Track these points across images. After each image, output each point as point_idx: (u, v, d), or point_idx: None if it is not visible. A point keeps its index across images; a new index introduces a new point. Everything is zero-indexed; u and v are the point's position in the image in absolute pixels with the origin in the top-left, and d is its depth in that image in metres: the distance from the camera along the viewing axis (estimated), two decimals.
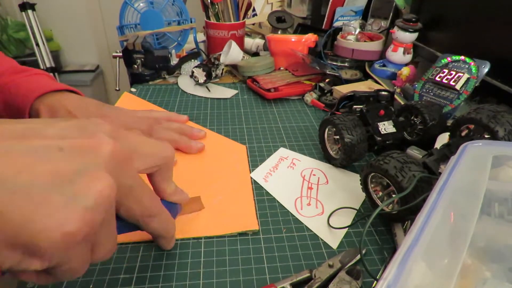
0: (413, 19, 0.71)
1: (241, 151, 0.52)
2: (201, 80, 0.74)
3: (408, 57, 0.75)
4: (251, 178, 0.46)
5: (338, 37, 0.84)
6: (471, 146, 0.30)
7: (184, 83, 0.77)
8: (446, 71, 0.57)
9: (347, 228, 0.38)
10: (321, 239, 0.37)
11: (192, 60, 0.83)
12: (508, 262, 0.23)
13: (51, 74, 1.83)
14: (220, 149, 0.53)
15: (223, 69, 0.80)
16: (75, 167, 0.19)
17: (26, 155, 0.17)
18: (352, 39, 0.83)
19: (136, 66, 0.77)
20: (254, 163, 0.49)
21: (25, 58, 1.87)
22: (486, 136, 0.38)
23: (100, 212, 0.19)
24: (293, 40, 0.79)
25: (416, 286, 0.19)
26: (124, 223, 0.26)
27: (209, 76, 0.75)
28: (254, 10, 1.11)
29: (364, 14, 0.95)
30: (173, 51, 0.82)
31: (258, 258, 0.35)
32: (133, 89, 0.75)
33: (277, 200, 0.42)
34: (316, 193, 0.44)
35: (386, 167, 0.35)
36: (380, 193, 0.39)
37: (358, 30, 0.86)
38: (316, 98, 0.68)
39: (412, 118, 0.49)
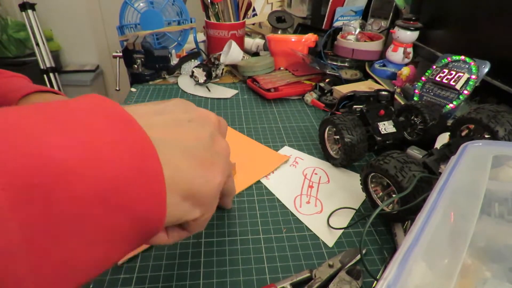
0: (413, 18, 0.71)
1: (278, 159, 0.51)
2: (201, 80, 0.74)
3: (408, 59, 0.75)
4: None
5: (338, 37, 0.84)
6: (471, 146, 0.30)
7: (184, 83, 0.77)
8: (446, 71, 0.57)
9: (345, 228, 0.38)
10: (321, 239, 0.37)
11: (192, 60, 0.83)
12: (508, 262, 0.23)
13: (51, 74, 1.83)
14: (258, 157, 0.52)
15: (223, 69, 0.81)
16: (207, 132, 0.23)
17: (172, 126, 0.21)
18: (352, 39, 0.83)
19: (136, 66, 0.77)
20: None
21: (25, 58, 1.87)
22: (486, 136, 0.38)
23: (227, 163, 0.24)
24: (293, 40, 0.79)
25: (416, 286, 0.19)
26: None
27: (209, 76, 0.75)
28: (254, 10, 1.11)
29: (364, 14, 0.95)
30: (173, 51, 0.82)
31: (258, 258, 0.35)
32: (133, 89, 0.75)
33: (277, 200, 0.42)
34: (316, 192, 0.44)
35: (386, 167, 0.35)
36: (380, 193, 0.39)
37: (358, 30, 0.86)
38: (316, 98, 0.68)
39: (412, 118, 0.49)
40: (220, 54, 0.83)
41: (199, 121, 0.23)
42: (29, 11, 1.71)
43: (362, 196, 0.43)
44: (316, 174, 0.48)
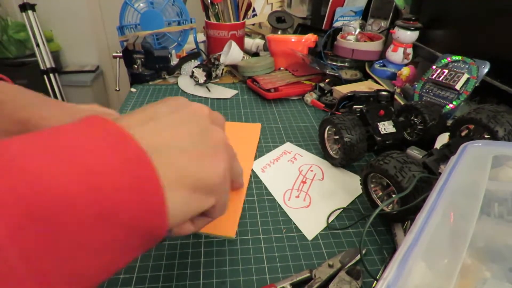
0: (413, 18, 0.71)
1: (255, 130, 0.57)
2: (201, 80, 0.74)
3: (407, 60, 0.75)
4: (250, 174, 0.46)
5: (338, 37, 0.84)
6: (471, 146, 0.30)
7: (184, 83, 0.77)
8: (446, 71, 0.57)
9: (345, 229, 0.38)
10: (321, 240, 0.37)
11: (192, 60, 0.83)
12: (508, 262, 0.23)
13: (51, 75, 1.83)
14: (234, 134, 0.56)
15: (223, 69, 0.81)
16: (199, 126, 0.24)
17: (165, 130, 0.22)
18: (352, 39, 0.83)
19: (136, 66, 0.77)
20: (254, 162, 0.49)
21: (25, 59, 1.87)
22: (486, 136, 0.38)
23: (228, 150, 0.25)
24: (293, 40, 0.79)
25: (416, 286, 0.19)
26: None
27: (209, 76, 0.75)
28: (254, 10, 1.11)
29: (364, 14, 0.95)
30: (173, 51, 0.82)
31: (258, 258, 0.35)
32: (133, 89, 0.75)
33: (277, 201, 0.42)
34: (308, 188, 0.45)
35: (386, 167, 0.35)
36: (380, 193, 0.39)
37: (358, 30, 0.86)
38: (316, 98, 0.68)
39: (412, 118, 0.49)
40: (220, 55, 0.83)
41: (191, 118, 0.24)
42: (29, 12, 1.71)
43: (355, 194, 0.43)
44: (311, 171, 0.48)
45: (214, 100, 0.70)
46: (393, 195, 0.34)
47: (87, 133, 0.18)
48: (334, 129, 0.47)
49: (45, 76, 1.80)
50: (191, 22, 0.84)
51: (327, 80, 0.72)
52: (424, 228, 0.22)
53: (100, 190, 0.16)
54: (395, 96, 0.61)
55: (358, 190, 0.42)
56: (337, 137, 0.47)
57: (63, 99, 1.88)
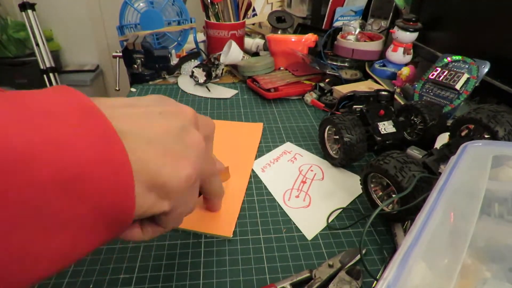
0: (413, 19, 0.71)
1: (256, 129, 0.57)
2: (201, 80, 0.74)
3: (408, 57, 0.75)
4: (250, 175, 0.46)
5: (338, 37, 0.84)
6: (471, 146, 0.30)
7: (184, 83, 0.77)
8: (446, 71, 0.57)
9: (345, 229, 0.38)
10: (321, 240, 0.37)
11: (192, 60, 0.83)
12: (508, 262, 0.23)
13: (51, 74, 1.83)
14: (234, 134, 0.56)
15: (223, 69, 0.81)
16: (178, 124, 0.22)
17: (141, 117, 0.20)
18: (352, 39, 0.83)
19: (136, 66, 0.77)
20: (254, 162, 0.49)
21: (25, 58, 1.87)
22: (486, 136, 0.38)
23: (201, 160, 0.23)
24: (293, 40, 0.79)
25: (416, 286, 0.19)
26: None
27: (209, 76, 0.75)
28: (254, 10, 1.10)
29: (364, 14, 0.95)
30: (173, 51, 0.82)
31: (258, 258, 0.35)
32: (133, 89, 0.75)
33: (277, 201, 0.42)
34: (308, 187, 0.45)
35: (386, 167, 0.35)
36: (380, 193, 0.39)
37: (358, 30, 0.86)
38: (316, 98, 0.68)
39: (412, 118, 0.49)
40: (220, 54, 0.83)
41: (171, 114, 0.22)
42: (29, 11, 1.71)
43: (355, 194, 0.43)
44: (311, 171, 0.48)
45: (214, 100, 0.70)
46: (393, 195, 0.34)
47: (55, 98, 0.16)
48: (334, 129, 0.47)
49: (44, 76, 1.80)
50: (191, 22, 0.84)
51: (327, 80, 0.72)
52: (424, 228, 0.22)
53: (65, 156, 0.15)
54: (395, 96, 0.61)
55: (358, 190, 0.42)
56: (337, 137, 0.47)
57: None
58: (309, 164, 0.50)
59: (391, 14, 0.87)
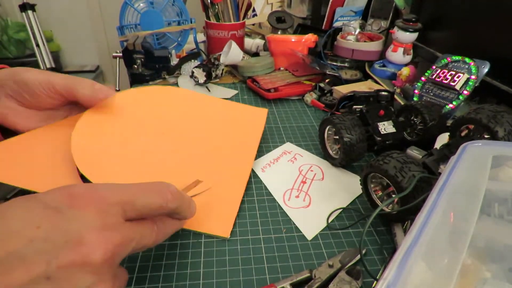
0: (413, 19, 0.71)
1: (260, 115, 0.53)
2: (201, 80, 0.74)
3: (408, 58, 0.75)
4: (250, 174, 0.46)
5: (338, 37, 0.84)
6: (471, 146, 0.30)
7: (184, 83, 0.77)
8: (446, 71, 0.57)
9: (345, 229, 0.38)
10: (321, 240, 0.37)
11: (192, 60, 0.83)
12: (508, 262, 0.23)
13: None
14: (237, 119, 0.52)
15: (223, 69, 0.81)
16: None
17: None
18: (352, 39, 0.83)
19: (136, 66, 0.77)
20: (254, 162, 0.49)
21: (25, 59, 1.88)
22: (486, 136, 0.38)
23: None
24: (293, 40, 0.79)
25: (416, 286, 0.19)
26: None
27: (209, 76, 0.75)
28: (254, 10, 1.11)
29: (364, 14, 0.95)
30: (173, 51, 0.82)
31: (258, 258, 0.35)
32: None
33: (277, 201, 0.42)
34: (308, 187, 0.45)
35: (386, 167, 0.35)
36: (380, 193, 0.39)
37: (358, 30, 0.86)
38: (316, 98, 0.68)
39: (412, 118, 0.49)
40: (220, 55, 0.83)
41: (63, 274, 0.18)
42: (29, 12, 1.71)
43: (355, 194, 0.43)
44: (311, 171, 0.48)
45: None
46: (393, 195, 0.34)
47: None
48: (334, 129, 0.47)
49: None
50: (191, 22, 0.84)
51: (327, 80, 0.72)
52: (424, 228, 0.22)
53: None
54: (395, 96, 0.61)
55: (358, 190, 0.42)
56: (337, 137, 0.47)
57: None
58: (309, 164, 0.50)
59: (391, 14, 0.87)
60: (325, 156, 0.51)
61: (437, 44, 0.72)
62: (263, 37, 1.00)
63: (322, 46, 0.83)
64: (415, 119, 0.49)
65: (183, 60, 0.82)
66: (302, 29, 0.96)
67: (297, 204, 0.42)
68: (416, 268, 0.20)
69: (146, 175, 0.39)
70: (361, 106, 0.51)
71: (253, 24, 1.10)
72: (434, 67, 0.59)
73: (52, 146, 0.38)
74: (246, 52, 0.88)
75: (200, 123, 0.49)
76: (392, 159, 0.35)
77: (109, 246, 0.20)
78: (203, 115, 0.51)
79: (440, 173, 0.35)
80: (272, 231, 0.38)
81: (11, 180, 0.34)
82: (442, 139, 0.44)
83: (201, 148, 0.46)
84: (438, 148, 0.40)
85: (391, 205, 0.38)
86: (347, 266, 0.32)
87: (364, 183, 0.40)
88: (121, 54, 0.82)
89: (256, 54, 0.93)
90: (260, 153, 0.52)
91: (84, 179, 0.35)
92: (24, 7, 1.70)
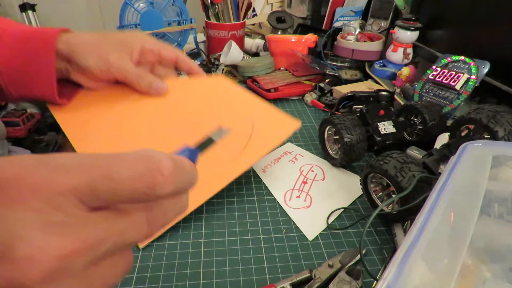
0: (413, 18, 0.71)
1: (287, 127, 0.45)
2: None
3: (407, 62, 0.75)
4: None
5: (338, 37, 0.84)
6: (471, 146, 0.30)
7: None
8: (446, 71, 0.57)
9: (345, 229, 0.38)
10: (321, 240, 0.37)
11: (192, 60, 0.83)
12: (508, 262, 0.23)
13: None
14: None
15: (223, 69, 0.81)
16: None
17: None
18: (352, 39, 0.83)
19: None
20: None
21: None
22: (486, 136, 0.38)
23: None
24: (293, 40, 0.79)
25: (416, 286, 0.19)
26: None
27: None
28: (254, 10, 1.11)
29: (364, 15, 0.95)
30: None
31: (258, 258, 0.35)
32: None
33: (277, 201, 0.42)
34: (309, 188, 0.45)
35: (386, 167, 0.35)
36: (380, 193, 0.39)
37: (358, 30, 0.86)
38: (316, 98, 0.68)
39: (412, 118, 0.49)
40: (220, 55, 0.83)
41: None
42: (29, 12, 1.71)
43: (356, 195, 0.43)
44: (312, 171, 0.48)
45: None
46: (393, 195, 0.34)
47: None
48: (334, 129, 0.47)
49: None
50: (191, 22, 0.84)
51: (327, 80, 0.72)
52: (424, 228, 0.22)
53: None
54: (395, 96, 0.61)
55: (359, 190, 0.42)
56: (337, 137, 0.47)
57: None
58: (310, 165, 0.50)
59: (391, 14, 0.87)
60: (325, 156, 0.51)
61: (437, 44, 0.72)
62: (263, 37, 1.00)
63: (322, 46, 0.83)
64: (415, 119, 0.49)
65: None
66: (302, 29, 0.96)
67: (298, 205, 0.42)
68: (416, 268, 0.20)
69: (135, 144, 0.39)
70: (361, 106, 0.51)
71: (253, 24, 1.10)
72: (434, 67, 0.59)
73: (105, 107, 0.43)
74: (246, 52, 0.88)
75: (218, 111, 0.46)
76: (392, 159, 0.35)
77: (53, 258, 0.14)
78: (226, 106, 0.48)
79: (440, 173, 0.35)
80: (272, 231, 0.38)
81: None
82: (442, 139, 0.44)
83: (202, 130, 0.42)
84: (438, 148, 0.40)
85: (391, 205, 0.38)
86: (347, 266, 0.32)
87: (364, 183, 0.40)
88: None
89: (256, 54, 0.93)
90: None
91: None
92: (24, 7, 1.70)
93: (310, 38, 0.79)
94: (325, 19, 0.98)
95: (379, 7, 0.89)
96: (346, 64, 0.81)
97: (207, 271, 0.33)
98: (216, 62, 0.79)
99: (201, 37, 0.98)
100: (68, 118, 0.43)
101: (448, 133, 0.43)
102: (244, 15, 0.90)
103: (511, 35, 0.54)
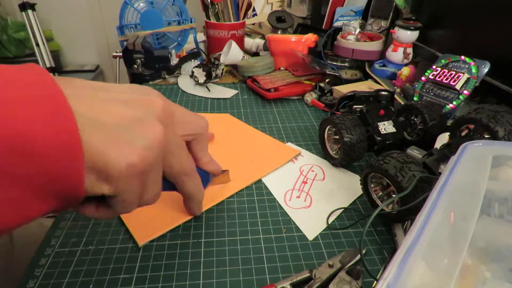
0: (413, 18, 0.71)
1: (288, 154, 0.51)
2: (201, 80, 0.74)
3: (407, 62, 0.75)
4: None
5: (338, 37, 0.84)
6: (471, 146, 0.30)
7: (184, 83, 0.77)
8: (446, 71, 0.57)
9: (345, 229, 0.38)
10: (321, 240, 0.37)
11: (192, 60, 0.83)
12: (508, 262, 0.23)
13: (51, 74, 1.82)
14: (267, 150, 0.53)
15: (223, 69, 0.81)
16: (137, 115, 0.23)
17: (102, 102, 0.21)
18: (352, 39, 0.83)
19: (136, 66, 0.77)
20: None
21: (25, 58, 1.87)
22: (486, 136, 0.38)
23: (154, 153, 0.23)
24: (293, 40, 0.79)
25: (416, 286, 0.19)
26: (165, 182, 0.29)
27: (209, 76, 0.75)
28: (254, 10, 1.11)
29: (364, 14, 0.95)
30: (173, 51, 0.82)
31: (258, 258, 0.35)
32: None
33: (277, 201, 0.42)
34: (309, 188, 0.45)
35: (386, 167, 0.35)
36: (380, 193, 0.39)
37: (358, 30, 0.86)
38: (316, 98, 0.68)
39: (412, 118, 0.49)
40: (220, 54, 0.83)
41: (136, 103, 0.23)
42: (29, 11, 1.71)
43: (356, 194, 0.43)
44: (312, 171, 0.48)
45: (214, 100, 0.70)
46: (393, 195, 0.34)
47: (16, 69, 0.18)
48: (334, 129, 0.47)
49: None
50: (191, 22, 0.84)
51: (327, 80, 0.72)
52: (424, 228, 0.22)
53: (9, 113, 0.16)
54: (395, 96, 0.61)
55: (359, 190, 0.42)
56: (337, 137, 0.47)
57: None
58: (310, 165, 0.50)
59: (391, 14, 0.87)
60: (325, 156, 0.51)
61: (437, 44, 0.72)
62: (263, 37, 1.00)
63: (322, 46, 0.83)
64: (415, 119, 0.49)
65: (183, 60, 0.82)
66: (302, 29, 0.96)
67: (298, 205, 0.42)
68: (416, 268, 0.20)
69: None
70: (361, 106, 0.51)
71: (253, 24, 1.10)
72: (434, 67, 0.59)
73: None
74: (246, 52, 0.88)
75: (230, 142, 0.54)
76: (392, 159, 0.35)
77: (165, 113, 0.25)
78: (237, 138, 0.56)
79: (440, 173, 0.35)
80: (272, 231, 0.38)
81: None
82: (442, 139, 0.44)
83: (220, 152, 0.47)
84: (438, 148, 0.40)
85: (391, 205, 0.38)
86: (347, 266, 0.32)
87: (364, 183, 0.40)
88: (121, 54, 0.82)
89: (256, 54, 0.93)
90: None
91: None
92: (24, 7, 1.69)
93: (310, 38, 0.79)
94: (325, 19, 0.98)
95: (379, 7, 0.89)
96: (346, 64, 0.81)
97: (207, 271, 0.33)
98: (216, 62, 0.79)
99: (201, 37, 0.98)
100: None
101: (448, 133, 0.43)
102: (244, 14, 0.90)
103: (511, 35, 0.54)
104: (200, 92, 0.73)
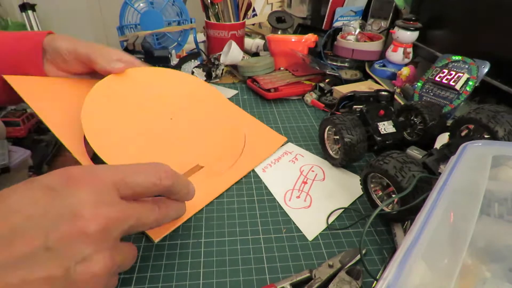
0: (413, 18, 0.71)
1: (276, 142, 0.54)
2: None
3: (407, 61, 0.75)
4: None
5: (338, 37, 0.84)
6: (471, 146, 0.30)
7: None
8: (446, 71, 0.57)
9: (345, 229, 0.38)
10: (321, 240, 0.37)
11: (192, 60, 0.83)
12: (508, 262, 0.23)
13: None
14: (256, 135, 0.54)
15: (223, 69, 0.81)
16: (67, 264, 0.19)
17: (18, 269, 0.18)
18: (352, 39, 0.83)
19: None
20: None
21: None
22: (486, 136, 0.38)
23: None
24: (293, 40, 0.79)
25: (416, 286, 0.19)
26: None
27: (209, 76, 0.75)
28: (254, 10, 1.11)
29: (364, 14, 0.95)
30: (173, 51, 0.82)
31: (258, 258, 0.35)
32: None
33: (277, 201, 0.42)
34: (309, 188, 0.45)
35: (386, 167, 0.35)
36: (380, 193, 0.39)
37: (358, 30, 0.86)
38: (316, 98, 0.68)
39: (412, 118, 0.49)
40: (220, 54, 0.83)
41: (61, 246, 0.19)
42: (29, 12, 1.71)
43: (355, 195, 0.43)
44: (313, 171, 0.48)
45: None
46: (393, 195, 0.34)
47: None
48: (334, 129, 0.47)
49: None
50: (191, 22, 0.84)
51: (327, 80, 0.72)
52: (424, 228, 0.22)
53: None
54: (395, 96, 0.61)
55: (359, 190, 0.42)
56: (337, 137, 0.47)
57: None
58: (310, 165, 0.50)
59: (391, 14, 0.87)
60: (325, 156, 0.51)
61: (437, 44, 0.72)
62: (263, 37, 1.00)
63: (322, 46, 0.83)
64: (415, 119, 0.49)
65: (183, 60, 0.82)
66: (302, 29, 0.96)
67: (298, 205, 0.42)
68: (416, 268, 0.20)
69: (147, 154, 0.43)
70: (361, 106, 0.51)
71: (253, 24, 1.10)
72: (434, 67, 0.59)
73: (75, 96, 0.43)
74: (246, 52, 0.88)
75: (213, 122, 0.53)
76: (392, 159, 0.35)
77: (103, 220, 0.22)
78: (218, 115, 0.55)
79: (440, 173, 0.35)
80: (272, 231, 0.38)
81: (38, 110, 0.40)
82: (442, 139, 0.44)
83: (205, 142, 0.49)
84: (438, 148, 0.40)
85: (391, 205, 0.38)
86: (347, 266, 0.32)
87: (364, 183, 0.40)
88: None
89: (256, 54, 0.93)
90: None
91: (86, 141, 0.39)
92: (24, 7, 1.70)
93: (310, 38, 0.79)
94: (325, 19, 0.98)
95: (379, 7, 0.89)
96: (346, 64, 0.81)
97: (207, 271, 0.33)
98: (216, 62, 0.79)
99: (201, 37, 0.98)
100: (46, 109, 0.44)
101: (448, 133, 0.43)
102: (244, 15, 0.90)
103: (511, 35, 0.54)
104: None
